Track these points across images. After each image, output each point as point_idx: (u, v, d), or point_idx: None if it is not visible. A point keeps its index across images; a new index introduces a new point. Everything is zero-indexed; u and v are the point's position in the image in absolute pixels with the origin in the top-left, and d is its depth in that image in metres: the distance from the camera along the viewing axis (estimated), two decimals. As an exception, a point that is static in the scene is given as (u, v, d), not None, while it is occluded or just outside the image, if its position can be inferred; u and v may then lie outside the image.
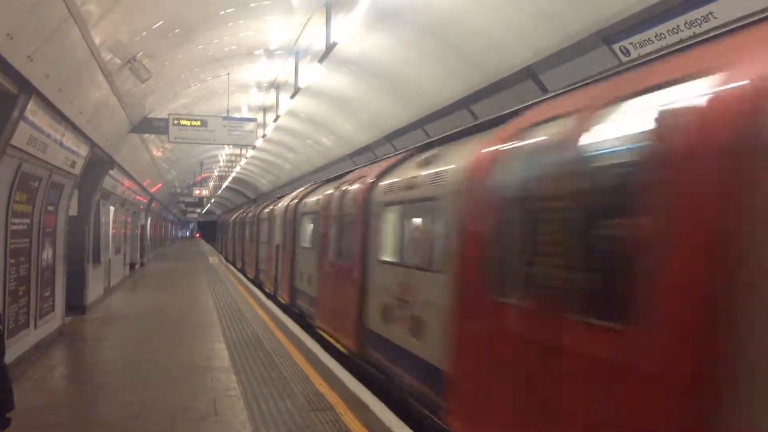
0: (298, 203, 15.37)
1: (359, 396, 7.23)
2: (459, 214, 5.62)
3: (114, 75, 10.46)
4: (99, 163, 13.50)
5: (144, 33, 10.61)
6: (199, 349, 9.87)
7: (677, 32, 7.18)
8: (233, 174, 40.92)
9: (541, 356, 4.04)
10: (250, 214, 27.28)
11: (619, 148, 3.63)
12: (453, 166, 6.25)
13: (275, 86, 18.56)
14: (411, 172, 7.76)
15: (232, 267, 30.47)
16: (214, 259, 36.65)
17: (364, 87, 15.79)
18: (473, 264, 5.16)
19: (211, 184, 50.43)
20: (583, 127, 3.95)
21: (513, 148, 4.88)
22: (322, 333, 11.40)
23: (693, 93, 3.15)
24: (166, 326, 12.22)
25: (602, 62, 8.25)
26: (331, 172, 21.07)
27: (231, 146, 28.67)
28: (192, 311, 14.28)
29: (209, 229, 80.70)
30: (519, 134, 4.88)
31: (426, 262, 6.80)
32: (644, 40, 7.70)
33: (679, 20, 7.09)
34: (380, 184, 8.86)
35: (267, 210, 21.63)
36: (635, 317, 3.19)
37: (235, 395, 7.23)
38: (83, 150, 10.84)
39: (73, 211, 12.19)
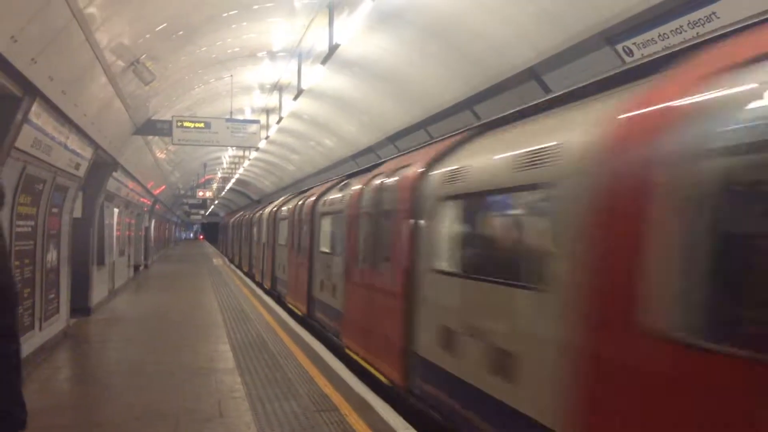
0: (276, 211, 19.58)
1: (364, 397, 7.23)
2: (348, 221, 9.89)
3: (118, 77, 10.49)
4: (103, 165, 13.53)
5: (147, 35, 10.64)
6: (204, 351, 9.89)
7: (680, 32, 7.18)
8: (236, 176, 40.98)
9: (369, 290, 8.40)
10: (246, 218, 31.63)
11: (386, 196, 8.06)
12: (347, 193, 10.52)
13: (278, 88, 18.60)
14: (335, 194, 11.84)
15: (237, 269, 30.51)
16: (218, 260, 36.69)
17: (367, 88, 15.80)
18: (352, 250, 9.47)
19: (215, 185, 50.51)
20: (382, 182, 8.43)
21: (365, 187, 9.23)
22: (290, 306, 15.48)
23: (400, 175, 7.65)
24: (170, 328, 12.24)
25: (605, 63, 8.25)
26: (334, 173, 21.10)
27: (234, 148, 28.73)
28: (196, 313, 14.31)
29: (213, 231, 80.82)
30: (369, 180, 9.17)
31: (336, 251, 11.07)
32: (647, 40, 7.70)
33: (683, 20, 7.09)
34: (320, 199, 12.99)
35: (257, 215, 26.38)
36: (390, 267, 7.52)
37: (239, 396, 7.23)
38: (87, 152, 10.87)
39: (78, 213, 12.22)
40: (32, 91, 6.99)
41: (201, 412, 6.65)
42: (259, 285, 22.02)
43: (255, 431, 6.02)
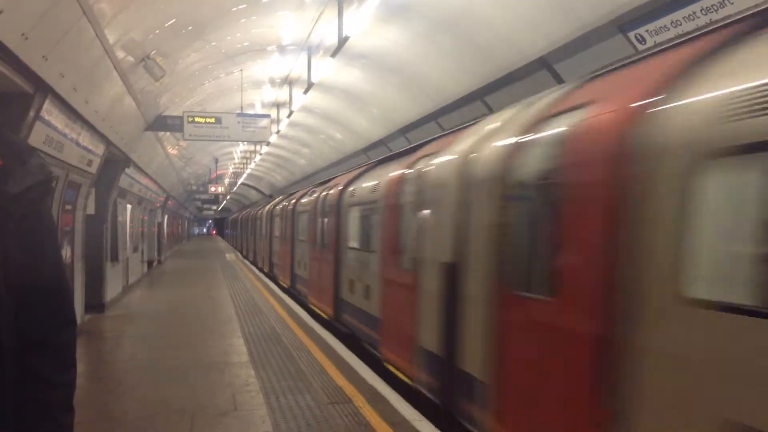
0: (272, 209, 25.86)
1: (377, 388, 7.23)
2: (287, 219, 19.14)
3: (128, 73, 10.52)
4: (115, 161, 13.59)
5: (157, 31, 10.65)
6: (218, 345, 9.93)
7: (693, 19, 7.09)
8: (248, 171, 41.06)
9: (315, 255, 14.13)
10: (250, 215, 38.19)
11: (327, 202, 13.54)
12: (289, 202, 19.61)
13: (288, 82, 18.59)
14: (295, 200, 18.80)
15: (249, 263, 30.62)
16: (231, 255, 36.84)
17: (377, 81, 15.76)
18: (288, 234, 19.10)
19: (227, 181, 50.62)
20: (311, 199, 15.50)
21: (301, 202, 17.40)
22: (279, 281, 21.07)
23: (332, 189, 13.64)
24: (184, 323, 12.30)
25: (618, 51, 8.17)
26: (345, 167, 21.11)
27: (245, 143, 28.76)
28: (210, 307, 14.37)
29: (226, 226, 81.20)
30: (303, 195, 17.80)
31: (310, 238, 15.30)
32: (660, 27, 7.61)
33: (695, 6, 7.00)
34: (300, 201, 17.89)
35: (255, 213, 34.56)
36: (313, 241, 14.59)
37: (254, 390, 7.26)
38: (99, 149, 10.91)
39: (91, 209, 12.28)
40: (44, 89, 7.02)
41: (216, 407, 6.68)
42: (270, 277, 22.16)
43: (269, 425, 6.04)
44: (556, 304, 4.23)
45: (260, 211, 30.69)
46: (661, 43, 5.27)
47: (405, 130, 17.00)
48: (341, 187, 12.10)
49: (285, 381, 7.63)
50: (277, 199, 28.52)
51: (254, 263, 31.53)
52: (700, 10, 6.94)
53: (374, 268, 9.03)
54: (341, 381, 7.59)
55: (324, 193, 13.80)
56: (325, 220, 13.14)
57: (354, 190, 11.17)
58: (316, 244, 14.10)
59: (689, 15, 7.11)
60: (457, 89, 12.84)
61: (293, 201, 19.03)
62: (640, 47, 7.95)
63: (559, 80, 9.68)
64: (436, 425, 6.07)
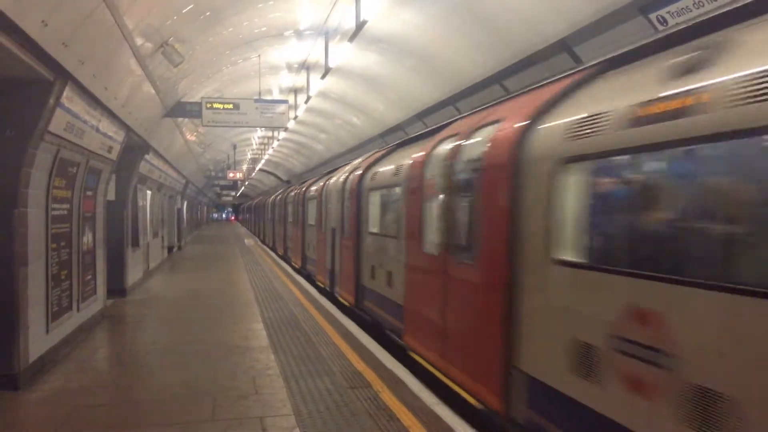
0: (276, 199, 31.97)
1: (396, 373, 7.26)
2: (282, 206, 28.01)
3: (147, 60, 10.54)
4: (135, 147, 13.66)
5: (175, 17, 10.65)
6: (238, 329, 10.01)
7: (716, -1, 6.96)
8: (266, 156, 41.14)
9: (292, 228, 23.61)
10: (258, 202, 47.58)
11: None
12: (276, 195, 33.46)
13: (306, 67, 18.55)
14: (288, 193, 27.00)
15: (269, 250, 30.78)
16: (250, 240, 37.05)
17: (395, 65, 15.68)
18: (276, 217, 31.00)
19: (245, 167, 50.78)
20: (295, 191, 24.39)
21: (286, 194, 27.48)
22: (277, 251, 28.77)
23: (296, 189, 24.38)
24: (204, 307, 12.41)
25: (639, 33, 8.04)
26: (362, 152, 21.08)
27: (263, 129, 28.81)
28: (230, 292, 14.49)
29: (246, 212, 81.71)
30: (287, 191, 28.11)
31: (295, 220, 22.71)
32: (682, 9, 7.48)
33: (719, -14, 6.87)
34: (284, 196, 27.25)
35: (262, 201, 43.49)
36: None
37: (274, 374, 7.32)
38: (119, 135, 10.97)
39: (111, 195, 12.37)
40: (64, 75, 7.06)
41: (237, 390, 6.75)
42: (284, 259, 22.37)
43: (290, 408, 6.09)
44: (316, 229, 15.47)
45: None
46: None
47: (422, 114, 16.93)
48: (304, 188, 20.90)
49: (305, 365, 7.68)
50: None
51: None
52: (724, -10, 6.81)
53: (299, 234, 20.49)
54: (360, 366, 7.62)
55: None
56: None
57: (310, 189, 18.38)
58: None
59: (712, -5, 6.98)
60: (476, 73, 12.74)
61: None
62: (661, 29, 7.82)
63: (578, 62, 9.56)
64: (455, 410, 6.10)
